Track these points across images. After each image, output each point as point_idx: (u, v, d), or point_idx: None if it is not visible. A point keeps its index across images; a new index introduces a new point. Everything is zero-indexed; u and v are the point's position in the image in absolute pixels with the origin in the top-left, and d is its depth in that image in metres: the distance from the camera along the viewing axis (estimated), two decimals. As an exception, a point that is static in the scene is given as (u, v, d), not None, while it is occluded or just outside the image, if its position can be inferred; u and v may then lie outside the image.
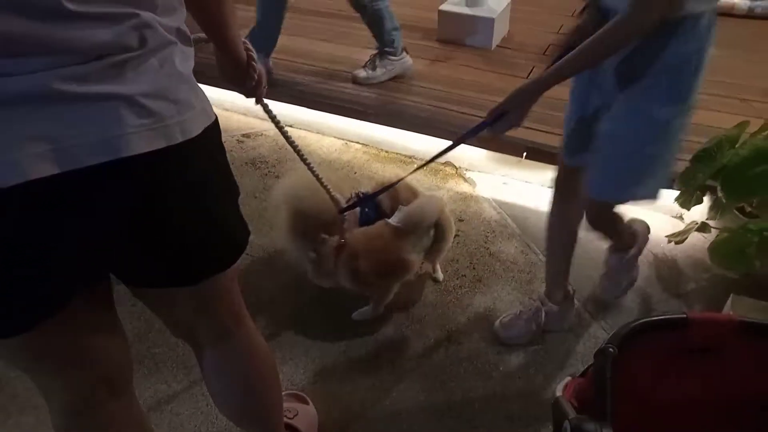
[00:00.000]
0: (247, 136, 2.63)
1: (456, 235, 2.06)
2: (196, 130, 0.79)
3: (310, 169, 1.38)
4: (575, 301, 1.74)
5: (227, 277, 0.97)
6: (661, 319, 0.91)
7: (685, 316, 0.90)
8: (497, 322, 1.72)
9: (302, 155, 1.34)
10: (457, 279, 1.89)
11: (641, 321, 0.89)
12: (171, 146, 0.75)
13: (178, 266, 0.90)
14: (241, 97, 1.09)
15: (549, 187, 1.57)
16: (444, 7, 3.00)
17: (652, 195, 1.32)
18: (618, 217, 1.55)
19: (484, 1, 2.96)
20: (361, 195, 1.68)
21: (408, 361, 1.63)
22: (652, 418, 0.94)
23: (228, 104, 2.64)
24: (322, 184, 1.42)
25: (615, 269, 1.78)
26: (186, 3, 0.80)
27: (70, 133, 0.66)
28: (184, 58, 0.78)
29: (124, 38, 0.68)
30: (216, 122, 0.86)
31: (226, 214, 0.93)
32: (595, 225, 1.48)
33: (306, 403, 1.48)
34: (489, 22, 2.90)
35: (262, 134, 2.63)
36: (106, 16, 0.67)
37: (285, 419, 1.32)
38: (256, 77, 1.02)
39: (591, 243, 2.02)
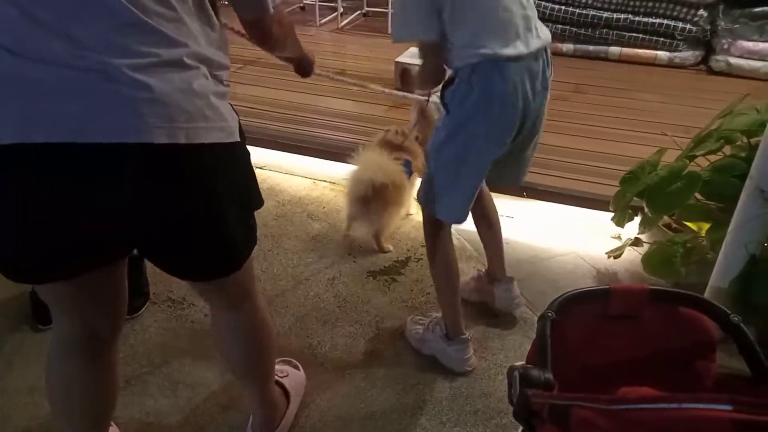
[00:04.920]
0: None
1: (420, 259, 2.25)
2: (205, 139, 0.92)
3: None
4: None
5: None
6: (588, 290, 1.10)
7: (607, 287, 1.10)
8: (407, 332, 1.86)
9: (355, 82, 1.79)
10: (422, 297, 2.07)
11: (572, 292, 1.08)
12: (174, 144, 0.88)
13: (176, 266, 1.08)
14: None
15: (502, 215, 1.79)
16: (399, 58, 3.31)
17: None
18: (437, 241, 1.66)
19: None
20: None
21: (380, 369, 1.77)
22: (586, 378, 1.11)
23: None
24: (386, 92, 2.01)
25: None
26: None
27: None
28: (205, 81, 0.93)
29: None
30: (236, 144, 1.00)
31: (228, 221, 1.04)
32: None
33: (297, 368, 1.69)
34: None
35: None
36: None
37: (276, 377, 1.52)
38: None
39: (546, 260, 2.25)
